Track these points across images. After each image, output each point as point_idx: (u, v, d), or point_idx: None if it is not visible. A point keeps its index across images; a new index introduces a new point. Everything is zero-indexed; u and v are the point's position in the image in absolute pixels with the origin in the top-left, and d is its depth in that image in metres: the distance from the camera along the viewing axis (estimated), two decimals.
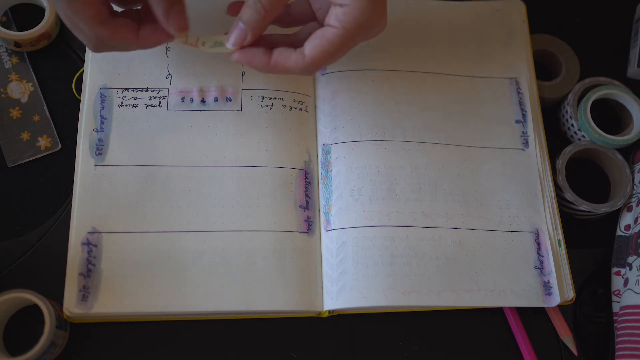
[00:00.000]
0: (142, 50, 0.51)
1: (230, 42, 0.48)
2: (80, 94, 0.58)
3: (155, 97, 0.57)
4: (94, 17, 0.46)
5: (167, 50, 0.59)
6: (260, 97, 0.58)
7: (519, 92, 0.62)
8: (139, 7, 0.51)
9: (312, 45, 0.47)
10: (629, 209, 0.59)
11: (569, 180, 0.59)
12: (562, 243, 0.57)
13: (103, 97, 0.57)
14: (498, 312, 0.56)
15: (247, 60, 0.49)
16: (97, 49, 0.49)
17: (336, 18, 0.46)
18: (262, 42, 0.50)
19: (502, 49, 0.63)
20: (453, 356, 0.55)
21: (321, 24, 0.48)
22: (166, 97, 0.57)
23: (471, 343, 0.56)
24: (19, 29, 0.60)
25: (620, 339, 0.53)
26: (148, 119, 0.57)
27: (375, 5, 0.45)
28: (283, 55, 0.48)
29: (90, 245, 0.53)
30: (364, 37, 0.47)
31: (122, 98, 0.57)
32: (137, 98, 0.57)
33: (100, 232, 0.53)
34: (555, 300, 0.54)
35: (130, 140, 0.56)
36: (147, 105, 0.57)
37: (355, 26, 0.45)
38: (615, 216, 0.60)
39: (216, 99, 0.58)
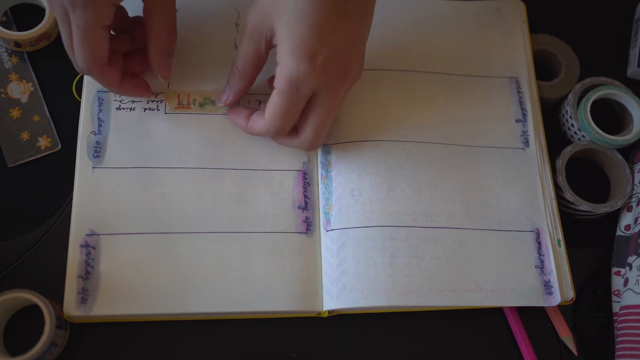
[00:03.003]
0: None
1: (218, 100, 0.55)
2: (80, 96, 0.58)
3: (153, 101, 0.57)
4: (100, 57, 0.51)
5: None
6: (258, 102, 0.58)
7: (519, 92, 0.62)
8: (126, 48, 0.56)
9: (265, 112, 0.51)
10: (629, 209, 0.59)
11: (569, 180, 0.59)
12: (562, 243, 0.57)
13: (100, 100, 0.57)
14: (498, 312, 0.56)
15: (231, 118, 0.56)
16: (83, 73, 0.54)
17: (276, 77, 0.49)
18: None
19: (502, 49, 0.63)
20: (453, 356, 0.55)
21: None
22: (164, 101, 0.57)
23: (471, 343, 0.56)
24: (19, 29, 0.60)
25: (620, 339, 0.53)
26: (146, 122, 0.57)
27: (305, 61, 0.47)
28: (254, 121, 0.53)
29: (89, 248, 0.53)
30: (299, 88, 0.49)
31: (120, 101, 0.57)
32: (134, 101, 0.57)
33: (98, 234, 0.53)
34: (556, 299, 0.54)
35: (128, 143, 0.56)
36: (145, 109, 0.57)
37: (287, 82, 0.48)
38: (615, 216, 0.60)
39: (213, 103, 0.58)
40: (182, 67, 0.58)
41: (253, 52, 0.51)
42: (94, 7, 0.48)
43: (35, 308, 0.50)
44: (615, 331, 0.55)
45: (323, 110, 0.51)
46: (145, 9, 0.52)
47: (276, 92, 0.49)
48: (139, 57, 0.56)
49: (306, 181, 0.57)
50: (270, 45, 0.50)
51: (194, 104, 0.58)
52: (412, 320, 0.55)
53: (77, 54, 0.51)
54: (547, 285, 0.55)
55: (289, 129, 0.52)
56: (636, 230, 0.56)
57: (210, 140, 0.57)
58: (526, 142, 0.60)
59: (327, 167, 0.57)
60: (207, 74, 0.58)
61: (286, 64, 0.48)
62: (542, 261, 0.56)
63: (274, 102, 0.50)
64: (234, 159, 0.56)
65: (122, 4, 0.52)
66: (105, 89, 0.57)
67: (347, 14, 0.48)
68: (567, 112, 0.62)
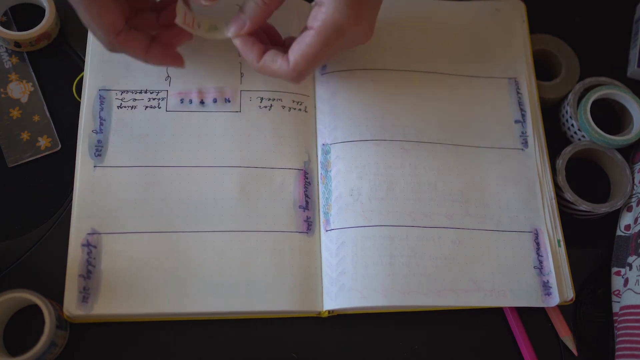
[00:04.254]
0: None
1: (230, 30, 0.51)
2: (80, 96, 0.58)
3: (154, 99, 0.57)
4: (109, 26, 0.49)
5: None
6: (259, 99, 0.58)
7: (518, 92, 0.62)
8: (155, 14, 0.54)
9: (293, 51, 0.49)
10: (629, 209, 0.59)
11: (569, 180, 0.59)
12: (562, 243, 0.57)
13: (102, 99, 0.57)
14: (498, 312, 0.56)
15: (242, 50, 0.51)
16: (110, 50, 0.52)
17: (314, 18, 0.48)
18: (261, 41, 0.52)
19: (502, 49, 0.63)
20: (453, 356, 0.55)
21: None
22: (165, 99, 0.58)
23: (471, 343, 0.56)
24: (19, 29, 0.60)
25: (620, 339, 0.53)
26: (147, 121, 0.57)
27: (352, 7, 0.46)
28: (271, 58, 0.50)
29: (90, 247, 0.53)
30: (342, 41, 0.48)
31: (121, 100, 0.57)
32: (136, 100, 0.57)
33: (99, 233, 0.53)
34: (555, 300, 0.54)
35: (130, 142, 0.56)
36: (147, 107, 0.57)
37: (331, 25, 0.47)
38: (615, 216, 0.60)
39: (215, 100, 0.58)
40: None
41: None
42: None
43: (35, 308, 0.50)
44: (615, 331, 0.55)
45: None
46: None
47: (315, 35, 0.47)
48: (167, 34, 0.54)
49: (307, 180, 0.57)
50: None
51: (199, 27, 0.54)
52: (412, 320, 0.55)
53: (92, 32, 0.50)
54: (545, 286, 0.55)
55: (306, 77, 0.51)
56: (636, 230, 0.56)
57: (211, 138, 0.57)
58: (525, 143, 0.60)
59: (326, 166, 0.57)
60: (208, 71, 0.59)
61: (335, 7, 0.46)
62: (540, 262, 0.56)
63: (309, 44, 0.48)
64: (235, 157, 0.56)
65: None
66: (106, 88, 0.57)
67: None
68: (567, 112, 0.62)
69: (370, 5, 0.49)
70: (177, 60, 0.54)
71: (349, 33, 0.48)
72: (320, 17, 0.47)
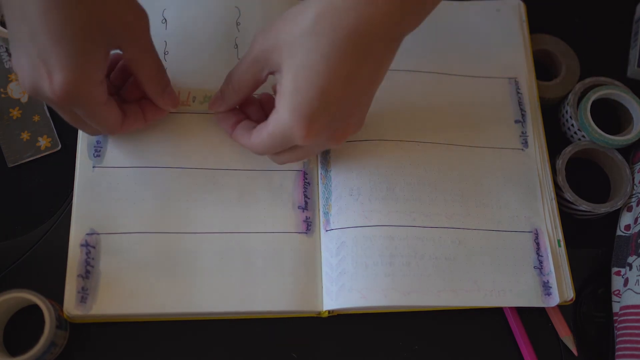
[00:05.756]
0: None
1: (210, 104, 0.54)
2: None
3: None
4: (114, 124, 0.51)
5: (165, 54, 0.59)
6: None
7: (518, 92, 0.62)
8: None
9: (255, 134, 0.50)
10: (629, 209, 0.59)
11: (569, 180, 0.59)
12: (562, 243, 0.57)
13: None
14: (498, 312, 0.56)
15: (217, 120, 0.54)
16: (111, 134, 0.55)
17: (271, 117, 0.48)
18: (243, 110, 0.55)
19: (502, 49, 0.63)
20: (453, 356, 0.55)
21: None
22: None
23: (471, 343, 0.56)
24: None
25: (620, 339, 0.53)
26: None
27: (295, 120, 0.46)
28: (240, 132, 0.52)
29: (89, 247, 0.53)
30: (289, 141, 0.49)
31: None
32: None
33: (98, 234, 0.53)
34: (555, 300, 0.54)
35: (129, 142, 0.56)
36: None
37: (277, 133, 0.48)
38: (615, 216, 0.60)
39: None
40: (182, 65, 0.58)
41: (251, 77, 0.50)
42: (86, 96, 0.47)
43: (35, 308, 0.50)
44: (615, 331, 0.55)
45: (298, 155, 0.52)
46: (127, 60, 0.50)
47: (267, 132, 0.48)
48: (131, 88, 0.54)
49: (306, 181, 0.57)
50: (271, 73, 0.49)
51: (194, 102, 0.58)
52: (412, 320, 0.55)
53: (99, 127, 0.51)
54: (545, 286, 0.55)
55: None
56: (636, 230, 0.56)
57: (211, 140, 0.57)
58: (525, 143, 0.60)
59: (326, 166, 0.57)
60: (206, 72, 0.59)
61: (283, 119, 0.46)
62: (540, 262, 0.56)
63: (262, 138, 0.49)
64: (234, 159, 0.56)
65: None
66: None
67: (358, 80, 0.46)
68: (567, 112, 0.62)
69: (335, 117, 0.47)
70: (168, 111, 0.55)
71: (301, 143, 0.48)
72: (272, 122, 0.48)
